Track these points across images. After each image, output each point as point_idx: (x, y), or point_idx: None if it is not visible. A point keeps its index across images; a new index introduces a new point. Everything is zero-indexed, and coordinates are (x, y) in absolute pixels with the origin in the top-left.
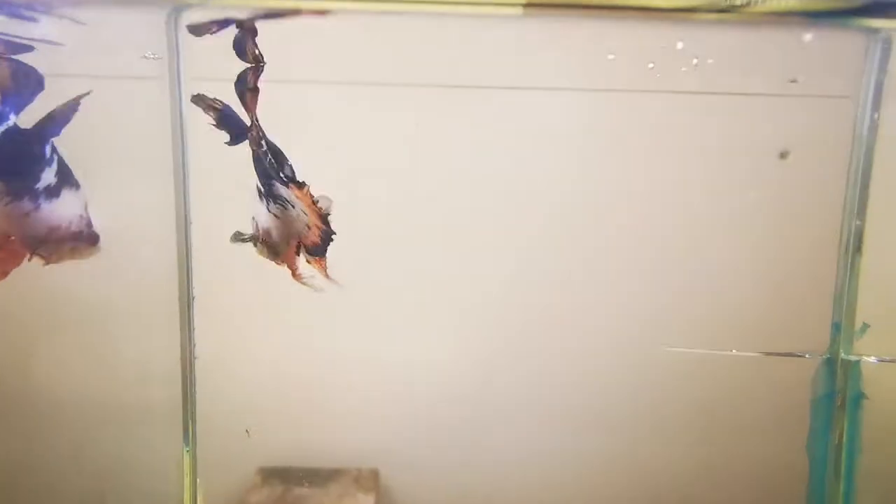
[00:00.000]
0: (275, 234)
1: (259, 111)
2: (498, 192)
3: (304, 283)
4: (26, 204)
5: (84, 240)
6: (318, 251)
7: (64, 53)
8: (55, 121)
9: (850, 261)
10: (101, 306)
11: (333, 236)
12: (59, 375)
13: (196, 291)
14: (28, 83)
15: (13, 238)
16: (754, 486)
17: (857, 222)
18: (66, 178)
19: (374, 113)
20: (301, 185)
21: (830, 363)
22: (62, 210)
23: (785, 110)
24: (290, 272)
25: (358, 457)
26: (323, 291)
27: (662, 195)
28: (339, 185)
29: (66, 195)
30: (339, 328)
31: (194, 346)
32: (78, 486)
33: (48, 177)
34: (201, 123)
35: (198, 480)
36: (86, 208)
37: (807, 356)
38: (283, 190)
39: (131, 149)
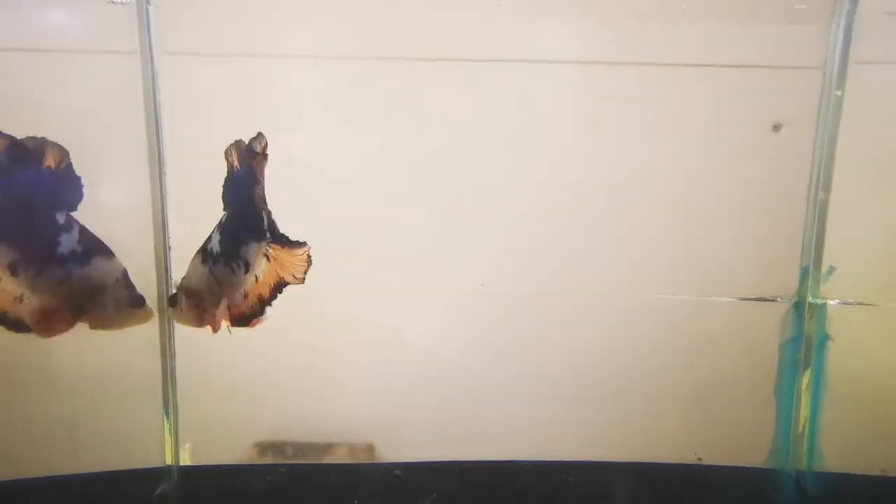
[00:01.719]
0: (206, 295)
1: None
2: (489, 156)
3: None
4: (57, 271)
5: (128, 303)
6: (241, 322)
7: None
8: (61, 193)
9: (817, 207)
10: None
11: (268, 308)
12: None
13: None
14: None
15: (59, 307)
16: (726, 427)
17: (825, 173)
18: (93, 246)
19: (356, 88)
20: (294, 245)
21: (799, 307)
22: (98, 275)
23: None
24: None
25: (353, 431)
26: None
27: (646, 159)
28: (326, 157)
29: (98, 262)
30: (332, 299)
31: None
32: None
33: (69, 243)
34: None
35: (181, 448)
36: (124, 274)
37: (778, 300)
38: (252, 251)
39: (105, 115)
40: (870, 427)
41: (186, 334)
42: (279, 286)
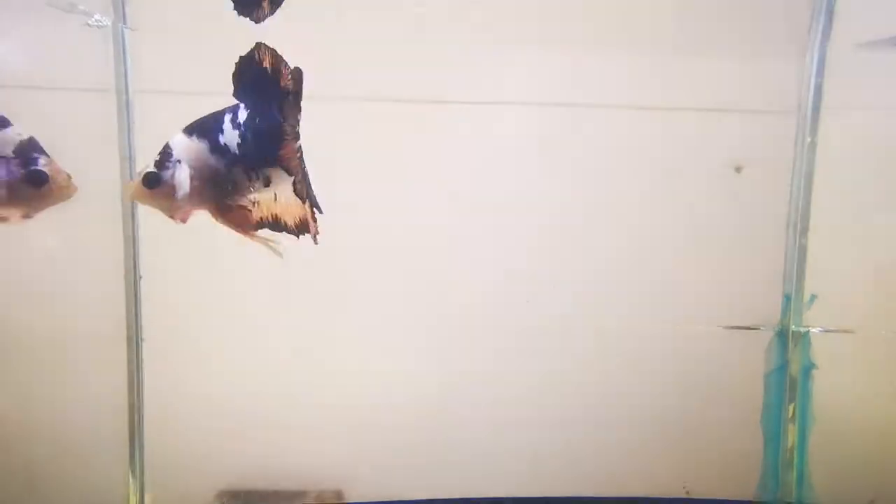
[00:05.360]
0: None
1: None
2: (466, 201)
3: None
4: None
5: (33, 182)
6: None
7: None
8: None
9: (798, 234)
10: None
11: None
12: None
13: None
14: None
15: None
16: (713, 459)
17: (804, 203)
18: None
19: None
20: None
21: (782, 335)
22: None
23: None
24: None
25: (320, 477)
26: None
27: (630, 195)
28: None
29: None
30: (299, 344)
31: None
32: None
33: None
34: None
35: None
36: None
37: (761, 328)
38: (276, 175)
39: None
40: (859, 456)
41: (156, 380)
42: (304, 225)
